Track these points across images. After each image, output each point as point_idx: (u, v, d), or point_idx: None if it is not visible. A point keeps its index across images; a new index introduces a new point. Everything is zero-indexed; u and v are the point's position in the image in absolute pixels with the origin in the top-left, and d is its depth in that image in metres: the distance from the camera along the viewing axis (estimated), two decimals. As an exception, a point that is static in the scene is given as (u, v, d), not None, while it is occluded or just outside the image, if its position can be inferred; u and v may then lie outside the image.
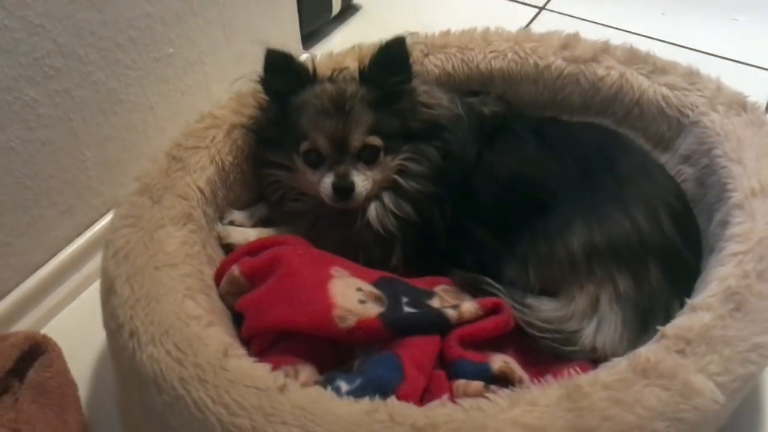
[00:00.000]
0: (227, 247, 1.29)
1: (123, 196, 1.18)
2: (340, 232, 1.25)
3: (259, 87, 1.25)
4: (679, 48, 2.01)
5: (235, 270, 1.15)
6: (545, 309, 1.14)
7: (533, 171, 1.25)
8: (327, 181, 1.17)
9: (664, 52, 1.43)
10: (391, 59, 1.18)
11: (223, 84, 1.55)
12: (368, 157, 1.18)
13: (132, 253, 1.08)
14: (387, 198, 1.22)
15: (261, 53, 1.20)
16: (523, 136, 1.29)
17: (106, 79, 1.34)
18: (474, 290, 1.19)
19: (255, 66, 1.22)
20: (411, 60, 1.19)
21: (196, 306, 1.03)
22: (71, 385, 1.18)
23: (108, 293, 1.05)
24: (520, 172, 1.25)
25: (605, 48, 1.41)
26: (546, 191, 1.21)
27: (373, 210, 1.21)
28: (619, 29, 2.11)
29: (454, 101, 1.27)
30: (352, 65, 1.40)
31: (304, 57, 1.84)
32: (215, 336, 0.97)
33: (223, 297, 1.17)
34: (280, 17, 1.81)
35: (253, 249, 1.20)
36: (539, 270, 1.17)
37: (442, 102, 1.26)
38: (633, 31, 2.08)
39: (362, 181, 1.17)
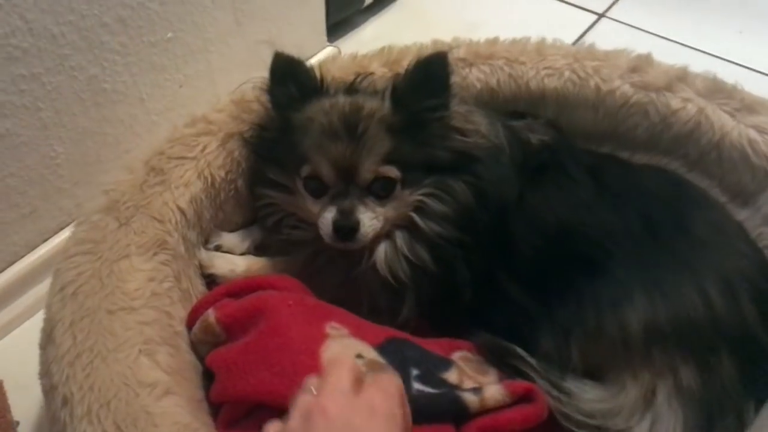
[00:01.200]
0: (210, 278, 1.09)
1: (85, 213, 0.97)
2: (341, 271, 1.04)
3: (264, 94, 1.07)
4: (763, 76, 1.74)
5: (210, 315, 0.95)
6: (588, 398, 0.93)
7: (586, 221, 1.02)
8: (327, 217, 0.96)
9: (741, 79, 1.19)
10: (429, 78, 0.98)
11: (231, 77, 1.37)
12: (381, 191, 0.97)
13: (83, 290, 0.88)
14: (400, 239, 1.01)
15: (279, 44, 1.08)
16: (575, 175, 1.07)
17: (87, 65, 1.13)
18: (500, 362, 0.98)
19: (269, 59, 1.05)
20: (452, 81, 0.98)
21: (153, 366, 0.83)
22: (8, 426, 0.99)
23: (47, 340, 0.85)
24: (569, 221, 1.03)
25: (683, 75, 1.17)
26: (600, 248, 1.00)
27: (382, 252, 1.00)
28: (686, 45, 1.85)
29: (494, 128, 1.05)
30: (379, 71, 1.19)
31: (327, 51, 1.65)
32: (169, 413, 0.77)
33: (194, 345, 0.96)
34: (304, 3, 1.59)
35: (237, 290, 0.99)
36: (584, 346, 0.96)
37: (479, 128, 1.03)
38: (703, 49, 1.83)
39: (370, 219, 0.96)
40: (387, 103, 0.99)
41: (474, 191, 1.00)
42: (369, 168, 0.95)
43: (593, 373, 0.95)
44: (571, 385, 0.94)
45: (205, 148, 1.08)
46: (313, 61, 1.20)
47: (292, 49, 1.05)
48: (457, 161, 1.00)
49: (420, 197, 0.99)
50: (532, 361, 0.96)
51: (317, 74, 1.05)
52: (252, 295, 0.97)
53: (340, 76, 1.13)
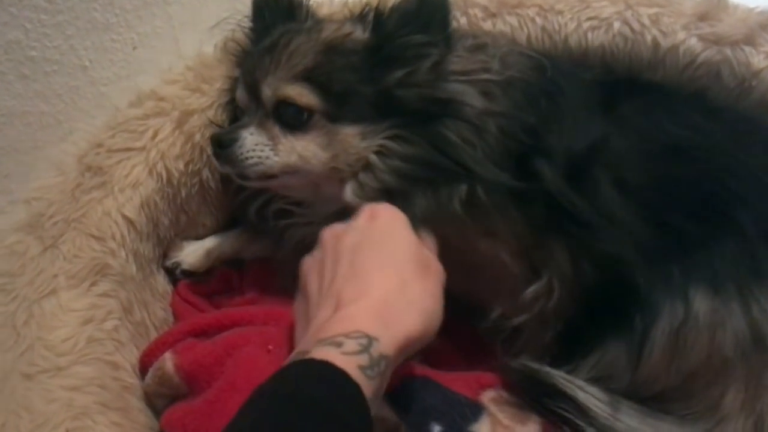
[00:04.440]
0: (188, 275, 0.90)
1: (-1, 233, 0.75)
2: None
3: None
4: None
5: (167, 362, 0.74)
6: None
7: (702, 145, 0.79)
8: None
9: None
10: (423, 12, 0.78)
11: (198, 32, 1.14)
12: (290, 119, 0.78)
13: (-10, 346, 0.66)
14: (363, 176, 0.80)
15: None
16: (677, 96, 0.87)
17: (1, 27, 0.88)
18: (536, 404, 0.76)
19: (245, 8, 0.92)
20: (450, 25, 0.79)
21: (86, 450, 0.62)
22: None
23: (-60, 419, 0.63)
24: (680, 141, 0.80)
25: (766, 22, 0.91)
26: (723, 185, 0.76)
27: (348, 188, 0.80)
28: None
29: (505, 62, 0.82)
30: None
31: None
32: None
33: (149, 397, 0.75)
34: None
35: (203, 328, 0.78)
36: (675, 341, 0.73)
37: (488, 66, 0.80)
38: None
39: (255, 142, 0.78)
40: (366, 32, 0.80)
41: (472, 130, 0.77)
42: (270, 84, 0.78)
43: (664, 395, 0.75)
44: (633, 424, 0.73)
45: (156, 133, 0.86)
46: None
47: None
48: (437, 108, 0.78)
49: (382, 141, 0.78)
50: (579, 395, 0.75)
51: (303, 4, 0.89)
52: (223, 334, 0.76)
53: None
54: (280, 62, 0.78)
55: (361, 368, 0.53)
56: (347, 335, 0.55)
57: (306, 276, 0.68)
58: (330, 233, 0.69)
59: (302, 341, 0.59)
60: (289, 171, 0.79)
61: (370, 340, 0.55)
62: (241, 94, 0.82)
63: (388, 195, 0.76)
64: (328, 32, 0.80)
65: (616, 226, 0.76)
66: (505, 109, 0.79)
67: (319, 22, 0.85)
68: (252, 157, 0.78)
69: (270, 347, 0.73)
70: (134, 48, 1.09)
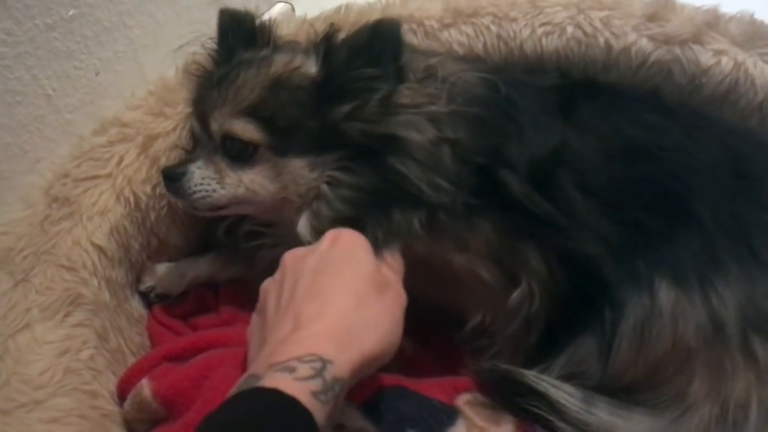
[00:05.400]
0: (162, 298, 0.91)
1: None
2: None
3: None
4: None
5: (144, 388, 0.75)
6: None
7: (657, 143, 0.81)
8: None
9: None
10: (373, 45, 0.78)
11: (159, 53, 1.14)
12: (235, 153, 0.80)
13: (-35, 385, 0.66)
14: (316, 204, 0.82)
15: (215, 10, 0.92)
16: (632, 94, 0.89)
17: (-40, 61, 0.89)
18: (509, 404, 0.78)
19: (207, 29, 0.95)
20: (402, 58, 0.79)
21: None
22: None
23: None
24: (637, 141, 0.81)
25: (713, 20, 0.94)
26: (680, 181, 0.78)
27: (304, 220, 0.81)
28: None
29: (452, 90, 0.82)
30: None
31: (278, 9, 1.44)
32: None
33: (129, 423, 0.76)
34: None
35: (179, 352, 0.80)
36: (642, 331, 0.74)
37: (437, 99, 0.80)
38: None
39: (202, 177, 0.81)
40: (317, 63, 0.81)
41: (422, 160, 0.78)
42: (217, 119, 0.80)
43: (634, 386, 0.76)
44: (605, 417, 0.75)
45: (121, 159, 0.87)
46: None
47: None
48: (385, 141, 0.78)
49: (330, 172, 0.79)
50: (551, 391, 0.76)
51: (266, 28, 0.90)
52: (198, 357, 0.77)
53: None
54: (227, 97, 0.79)
55: (314, 393, 0.53)
56: (300, 359, 0.55)
57: (265, 296, 0.69)
58: (291, 256, 0.70)
59: (255, 362, 0.59)
60: (238, 202, 0.81)
61: (324, 363, 0.56)
62: (194, 125, 0.84)
63: (344, 223, 0.76)
64: (277, 66, 0.81)
65: (582, 225, 0.78)
66: (458, 136, 0.80)
67: (275, 51, 0.85)
68: (200, 191, 0.81)
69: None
70: (97, 73, 1.09)
